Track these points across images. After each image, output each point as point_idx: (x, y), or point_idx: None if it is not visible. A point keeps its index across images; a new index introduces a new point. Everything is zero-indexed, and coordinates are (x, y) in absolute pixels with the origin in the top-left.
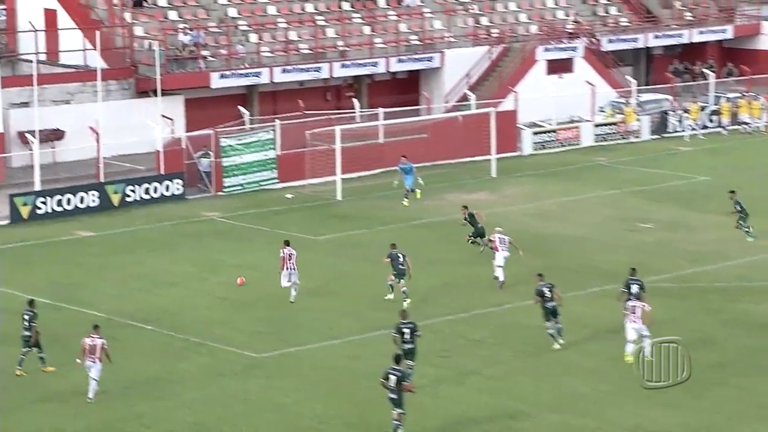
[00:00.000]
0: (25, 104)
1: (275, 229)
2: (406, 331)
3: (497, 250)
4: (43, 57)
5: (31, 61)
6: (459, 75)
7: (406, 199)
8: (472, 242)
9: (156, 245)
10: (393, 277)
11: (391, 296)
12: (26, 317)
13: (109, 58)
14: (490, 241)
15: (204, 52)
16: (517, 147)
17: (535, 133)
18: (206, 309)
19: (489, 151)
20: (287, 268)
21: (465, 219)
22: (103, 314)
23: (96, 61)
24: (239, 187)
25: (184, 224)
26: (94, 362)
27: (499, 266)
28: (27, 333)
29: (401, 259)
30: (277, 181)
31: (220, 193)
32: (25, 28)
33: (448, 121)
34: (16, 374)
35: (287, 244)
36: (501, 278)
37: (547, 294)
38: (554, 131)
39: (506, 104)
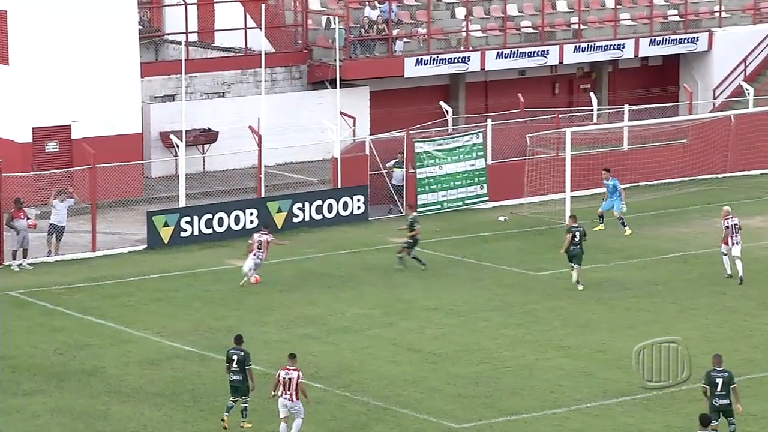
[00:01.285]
0: (170, 97)
1: (483, 261)
2: (720, 381)
3: (726, 242)
4: (193, 38)
5: (179, 43)
6: (732, 62)
7: (626, 228)
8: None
9: (329, 280)
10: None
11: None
12: (234, 358)
13: (276, 40)
14: (726, 228)
15: (396, 32)
16: None
17: None
18: (392, 363)
19: None
20: (255, 255)
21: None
22: (261, 367)
23: (260, 42)
24: (437, 206)
25: (365, 253)
26: (290, 399)
27: (725, 254)
28: (237, 377)
29: (578, 238)
30: (486, 198)
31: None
32: (174, 1)
33: (717, 123)
34: (223, 426)
35: (266, 227)
36: (729, 271)
37: None
38: None
39: None
